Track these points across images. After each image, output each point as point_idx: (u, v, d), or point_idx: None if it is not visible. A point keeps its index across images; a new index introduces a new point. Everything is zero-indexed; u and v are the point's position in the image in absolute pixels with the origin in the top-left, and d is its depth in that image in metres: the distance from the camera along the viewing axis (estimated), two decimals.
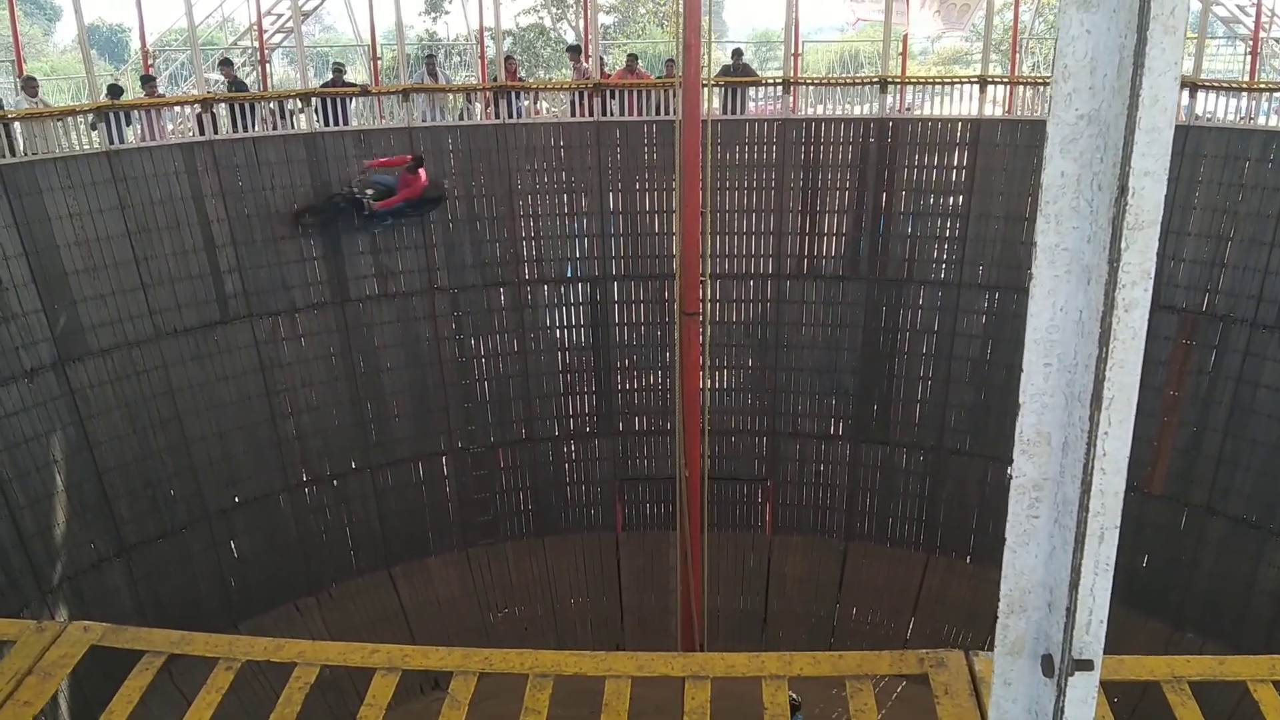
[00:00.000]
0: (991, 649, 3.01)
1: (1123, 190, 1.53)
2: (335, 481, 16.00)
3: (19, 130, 13.31)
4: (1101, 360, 1.60)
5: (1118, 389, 1.61)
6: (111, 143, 13.89)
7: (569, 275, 17.04)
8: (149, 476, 14.12)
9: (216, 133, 14.83)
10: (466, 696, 2.84)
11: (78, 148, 13.67)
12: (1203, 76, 15.11)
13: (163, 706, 9.65)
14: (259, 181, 15.03)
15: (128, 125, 14.51)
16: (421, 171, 15.29)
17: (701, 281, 10.03)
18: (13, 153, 13.01)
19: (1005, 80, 16.85)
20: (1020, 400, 1.73)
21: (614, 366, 17.23)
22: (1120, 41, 1.52)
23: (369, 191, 15.20)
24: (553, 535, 17.26)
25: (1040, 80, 16.29)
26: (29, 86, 15.21)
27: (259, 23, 19.73)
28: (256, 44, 20.07)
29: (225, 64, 17.12)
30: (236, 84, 16.26)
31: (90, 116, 13.78)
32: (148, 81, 16.22)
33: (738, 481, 17.05)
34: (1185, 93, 14.56)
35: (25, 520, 12.65)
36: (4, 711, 2.95)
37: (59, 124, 13.62)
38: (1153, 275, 1.59)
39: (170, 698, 9.12)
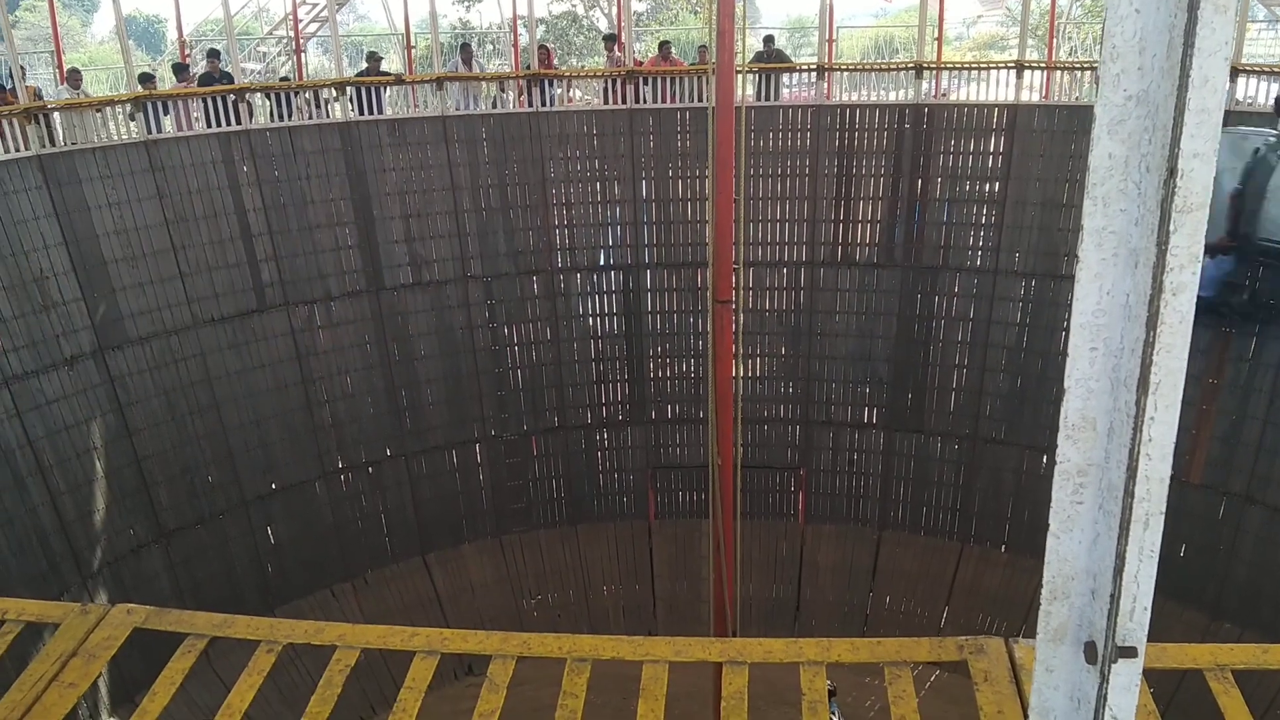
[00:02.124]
0: (1027, 637, 3.00)
1: (1171, 172, 1.51)
2: (370, 469, 16.12)
3: (58, 120, 13.47)
4: (1148, 345, 1.58)
5: (1164, 374, 1.59)
6: (149, 132, 14.02)
7: (601, 263, 17.04)
8: (187, 463, 14.29)
9: (253, 122, 14.95)
10: (505, 680, 2.86)
11: (116, 137, 13.82)
12: (1243, 61, 14.88)
13: (201, 690, 9.79)
14: (295, 170, 15.13)
15: (165, 114, 14.65)
16: None
17: (734, 269, 9.99)
18: (53, 143, 13.18)
19: (1042, 65, 16.67)
20: (1065, 385, 1.71)
21: (646, 354, 17.24)
22: (1170, 21, 1.50)
23: None
24: (585, 523, 17.32)
25: (1078, 65, 16.11)
26: (73, 79, 15.40)
27: (294, 12, 19.86)
28: (292, 33, 20.20)
29: (212, 55, 17.19)
30: (223, 76, 16.26)
31: (128, 106, 13.92)
32: (181, 70, 16.34)
33: (771, 470, 17.03)
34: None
35: (66, 506, 12.83)
36: (49, 692, 2.99)
37: (97, 114, 13.77)
38: (1200, 259, 1.57)
39: (208, 681, 9.25)
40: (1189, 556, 14.17)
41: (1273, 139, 13.42)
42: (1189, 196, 1.52)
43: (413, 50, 21.09)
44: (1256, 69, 14.43)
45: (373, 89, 15.91)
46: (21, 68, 15.23)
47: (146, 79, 15.03)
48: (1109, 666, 1.80)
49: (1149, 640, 1.85)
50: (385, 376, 16.07)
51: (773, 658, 2.88)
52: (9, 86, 14.35)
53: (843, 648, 2.89)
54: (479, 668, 3.00)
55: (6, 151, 12.56)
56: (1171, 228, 1.53)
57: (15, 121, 12.67)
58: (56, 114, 13.46)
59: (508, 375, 16.96)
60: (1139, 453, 1.64)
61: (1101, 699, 1.83)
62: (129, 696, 11.32)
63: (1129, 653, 1.78)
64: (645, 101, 16.56)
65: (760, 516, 16.65)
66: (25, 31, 33.05)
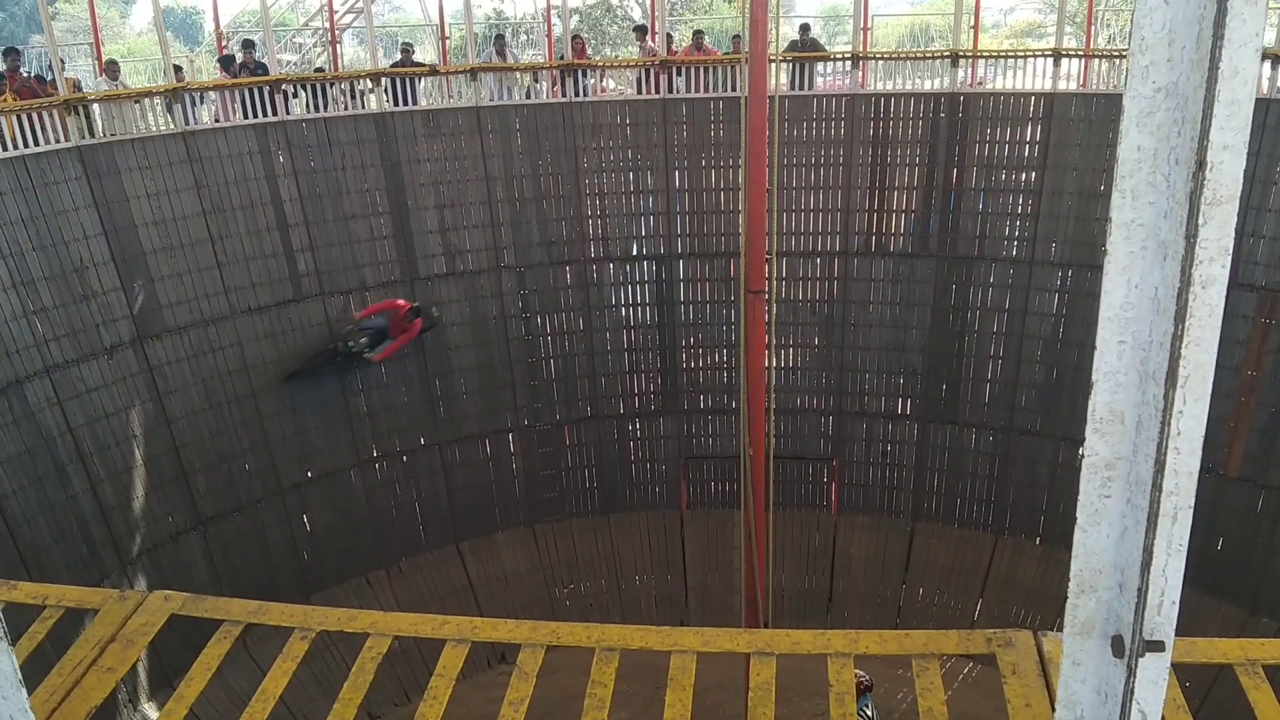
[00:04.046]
0: (1061, 630, 2.98)
1: (1201, 165, 1.50)
2: (404, 457, 16.23)
3: (98, 112, 13.62)
4: (1177, 338, 1.57)
5: (1193, 367, 1.58)
6: (187, 124, 14.15)
7: (634, 253, 17.04)
8: (225, 451, 14.44)
9: (289, 113, 15.05)
10: (534, 668, 2.88)
11: (154, 129, 13.96)
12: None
13: (237, 675, 9.91)
14: (330, 161, 15.24)
15: (201, 105, 14.78)
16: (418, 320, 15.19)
17: (767, 259, 9.95)
18: (92, 134, 13.33)
19: (1080, 53, 16.48)
20: (1093, 378, 1.71)
21: (679, 345, 17.23)
22: (1199, 12, 1.49)
23: (363, 341, 14.80)
24: (617, 512, 17.34)
25: (1116, 53, 15.91)
26: (111, 70, 15.54)
27: (330, 3, 19.96)
28: (327, 25, 20.32)
29: (247, 45, 17.29)
30: (258, 67, 16.37)
31: (166, 98, 14.05)
32: (229, 62, 16.46)
33: (803, 461, 16.98)
34: (1266, 65, 14.13)
35: (106, 493, 13.01)
36: (89, 676, 3.05)
37: (136, 105, 13.91)
38: (1231, 252, 1.56)
39: (244, 667, 9.36)
40: (1226, 550, 14.02)
41: None
42: (1218, 189, 1.51)
43: (447, 41, 21.14)
44: None
45: (407, 80, 15.97)
46: (61, 60, 15.42)
47: (175, 70, 15.15)
48: (1136, 660, 1.79)
49: (1181, 634, 1.84)
50: (419, 366, 16.15)
51: (800, 649, 2.88)
52: (49, 78, 14.52)
53: (870, 640, 2.89)
54: (511, 656, 3.03)
55: (47, 143, 12.72)
56: (1200, 220, 1.52)
57: (55, 113, 12.83)
58: (96, 105, 13.61)
59: (541, 365, 17.01)
60: (1167, 446, 1.64)
61: (1129, 693, 1.82)
62: (166, 682, 11.48)
63: (1156, 647, 1.78)
64: (678, 91, 16.54)
65: (793, 507, 16.61)
66: (65, 23, 33.40)
